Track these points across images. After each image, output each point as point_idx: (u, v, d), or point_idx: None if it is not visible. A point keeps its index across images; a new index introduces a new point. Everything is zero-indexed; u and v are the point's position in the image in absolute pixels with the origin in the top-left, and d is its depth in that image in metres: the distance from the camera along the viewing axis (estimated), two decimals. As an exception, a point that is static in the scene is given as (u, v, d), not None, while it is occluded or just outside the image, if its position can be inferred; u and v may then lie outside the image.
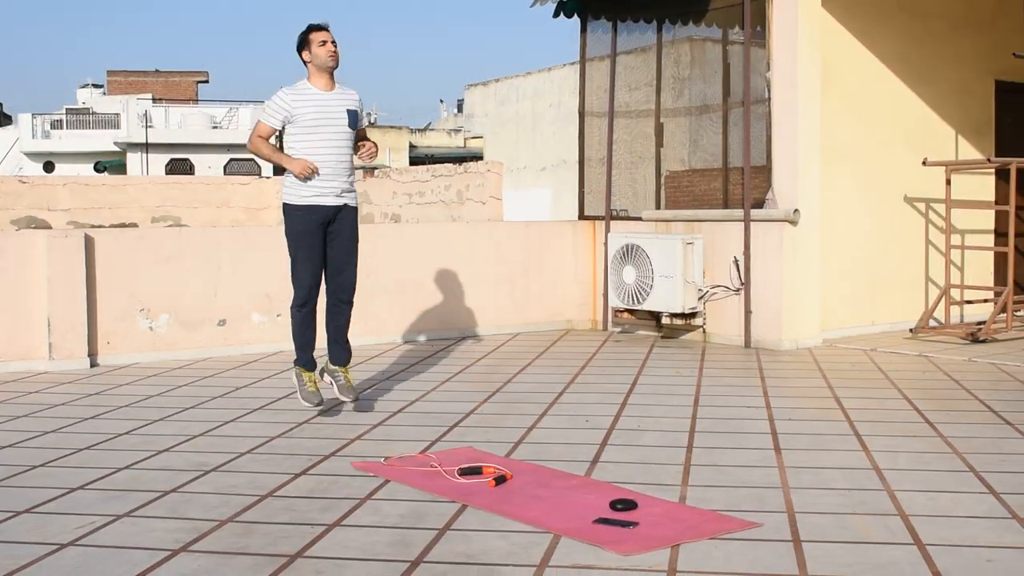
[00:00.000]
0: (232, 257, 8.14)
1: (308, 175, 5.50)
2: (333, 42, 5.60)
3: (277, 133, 5.70)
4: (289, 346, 8.17)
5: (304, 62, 5.65)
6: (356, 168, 6.02)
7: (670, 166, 9.45)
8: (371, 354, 8.00)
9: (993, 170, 9.59)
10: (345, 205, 5.67)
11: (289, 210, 5.64)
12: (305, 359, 5.76)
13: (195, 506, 4.05)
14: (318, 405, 5.74)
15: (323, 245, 5.66)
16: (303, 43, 5.62)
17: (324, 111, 5.57)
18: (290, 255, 5.68)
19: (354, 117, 5.68)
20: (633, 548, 3.48)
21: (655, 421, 5.54)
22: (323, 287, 5.79)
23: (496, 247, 9.35)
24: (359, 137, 5.81)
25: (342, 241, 5.68)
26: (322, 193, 5.58)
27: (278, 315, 8.28)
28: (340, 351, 5.80)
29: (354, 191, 5.77)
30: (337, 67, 5.67)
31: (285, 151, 5.66)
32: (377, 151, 5.83)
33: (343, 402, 5.87)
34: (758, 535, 3.63)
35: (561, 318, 9.71)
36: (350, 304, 5.79)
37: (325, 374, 5.86)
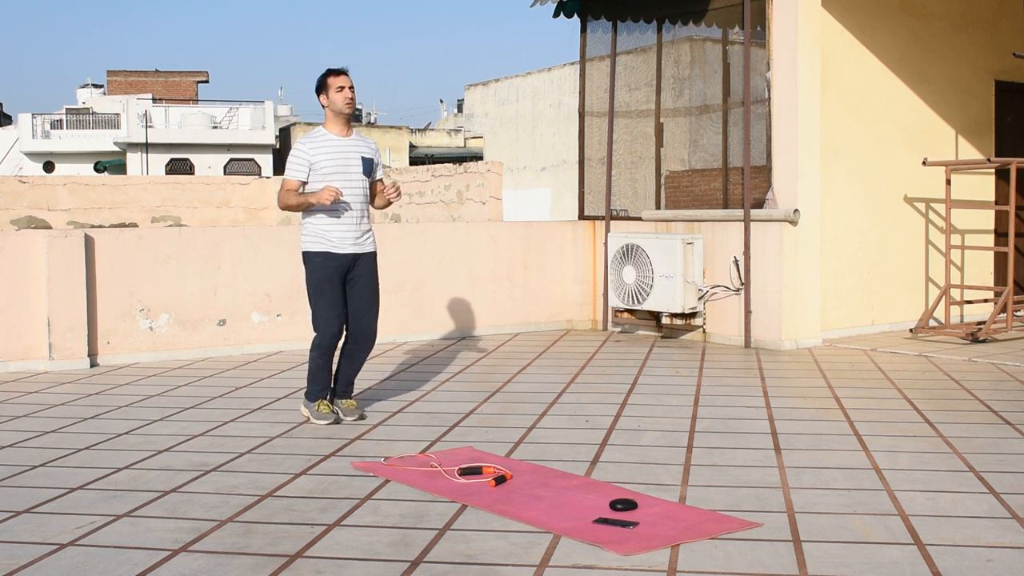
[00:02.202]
0: (232, 257, 8.14)
1: (335, 200, 5.43)
2: (351, 88, 5.60)
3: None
4: (289, 347, 8.25)
5: (322, 105, 5.66)
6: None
7: (670, 166, 9.44)
8: (371, 354, 7.98)
9: (993, 170, 9.59)
10: (364, 252, 5.63)
11: (308, 257, 5.59)
12: (321, 395, 5.68)
13: (195, 506, 4.05)
14: (334, 423, 5.66)
15: (343, 290, 5.61)
16: (321, 87, 5.63)
17: (340, 158, 5.55)
18: (310, 301, 5.63)
19: (368, 165, 5.64)
20: (633, 548, 3.48)
21: (655, 421, 5.54)
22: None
23: (496, 247, 9.35)
24: (374, 190, 5.73)
25: (362, 287, 5.63)
26: (339, 241, 5.54)
27: (278, 315, 8.29)
28: (345, 388, 5.75)
29: (372, 237, 5.71)
30: (353, 113, 5.67)
31: None
32: (399, 191, 5.74)
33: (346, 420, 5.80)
34: (758, 535, 3.63)
35: (561, 318, 9.71)
36: (367, 352, 5.76)
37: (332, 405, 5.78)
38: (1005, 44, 9.74)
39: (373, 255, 5.70)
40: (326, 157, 5.53)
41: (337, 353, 5.72)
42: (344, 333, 5.67)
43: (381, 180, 5.77)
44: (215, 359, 7.89)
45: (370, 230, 5.70)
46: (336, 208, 5.51)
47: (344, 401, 5.71)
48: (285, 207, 5.61)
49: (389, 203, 5.74)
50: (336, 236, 5.53)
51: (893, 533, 3.64)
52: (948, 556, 3.40)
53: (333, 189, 5.40)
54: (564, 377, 6.97)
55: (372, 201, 5.74)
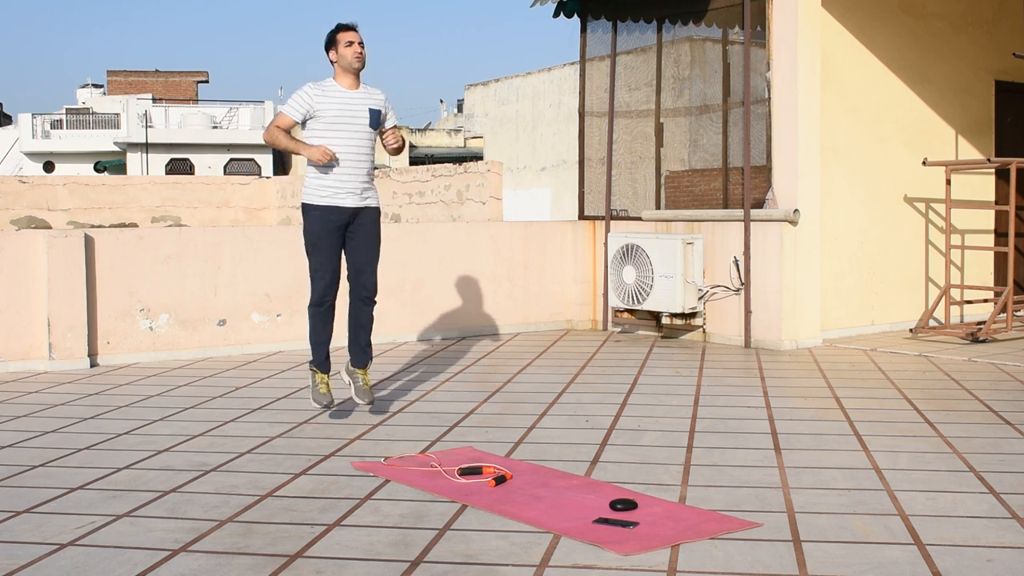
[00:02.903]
0: (232, 257, 8.14)
1: (327, 162, 5.44)
2: (360, 43, 5.58)
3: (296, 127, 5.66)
4: (289, 347, 8.25)
5: (331, 61, 5.63)
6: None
7: (670, 166, 9.45)
8: (371, 354, 7.98)
9: (993, 170, 9.59)
10: (365, 206, 5.63)
11: (308, 210, 5.57)
12: (319, 359, 5.71)
13: (195, 506, 4.05)
14: (326, 407, 5.70)
15: (341, 245, 5.62)
16: (330, 42, 5.60)
17: (346, 109, 5.53)
18: (307, 254, 5.62)
19: (376, 116, 5.61)
20: (633, 548, 3.48)
21: (655, 421, 5.54)
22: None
23: (496, 247, 9.36)
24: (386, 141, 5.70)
25: (362, 241, 5.63)
26: (341, 193, 5.53)
27: (278, 315, 8.28)
28: (360, 353, 5.75)
29: (374, 191, 5.69)
30: (363, 68, 5.64)
31: None
32: (402, 140, 5.68)
33: (358, 404, 5.85)
34: (758, 535, 3.63)
35: (561, 318, 9.71)
36: (372, 303, 5.75)
37: (344, 374, 5.83)
38: (1005, 44, 9.74)
39: (376, 210, 5.69)
40: (331, 106, 5.51)
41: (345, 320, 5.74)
42: (336, 293, 5.67)
43: (394, 128, 5.70)
44: (215, 359, 7.89)
45: (372, 184, 5.68)
46: (342, 159, 5.50)
47: (360, 372, 5.72)
48: (270, 141, 5.60)
49: (397, 149, 5.65)
50: (338, 187, 5.51)
51: (893, 533, 3.64)
52: (948, 556, 3.40)
53: (329, 151, 5.41)
54: (564, 377, 6.97)
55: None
